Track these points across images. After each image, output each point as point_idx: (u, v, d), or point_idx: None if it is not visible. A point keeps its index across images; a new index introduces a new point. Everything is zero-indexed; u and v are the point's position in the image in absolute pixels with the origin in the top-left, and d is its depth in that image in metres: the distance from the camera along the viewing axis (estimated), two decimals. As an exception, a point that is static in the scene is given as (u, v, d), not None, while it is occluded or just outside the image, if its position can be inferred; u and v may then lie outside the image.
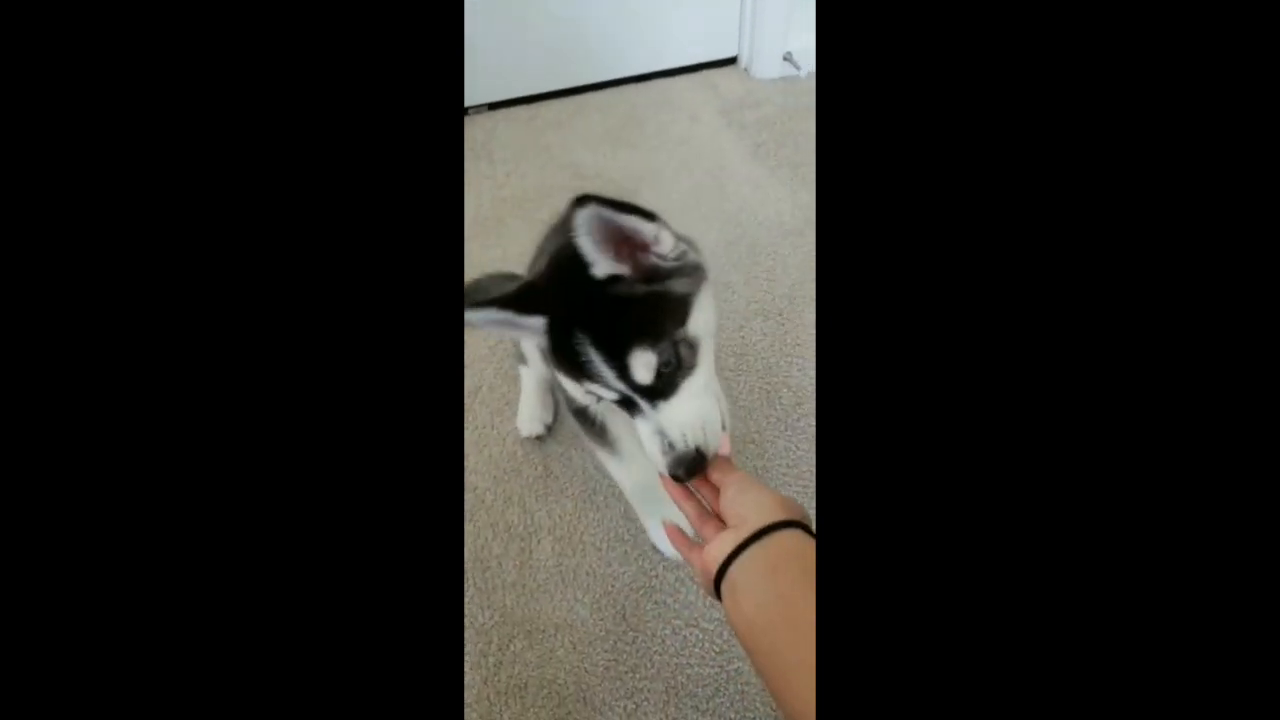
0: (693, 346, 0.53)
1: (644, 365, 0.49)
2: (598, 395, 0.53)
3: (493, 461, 0.92)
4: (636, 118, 1.42)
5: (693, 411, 0.51)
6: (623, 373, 0.50)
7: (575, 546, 0.84)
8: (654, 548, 0.82)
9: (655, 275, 0.52)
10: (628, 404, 0.52)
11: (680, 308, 0.52)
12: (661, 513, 0.78)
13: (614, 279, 0.50)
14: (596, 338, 0.49)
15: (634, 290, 0.51)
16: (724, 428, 0.53)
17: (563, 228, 0.52)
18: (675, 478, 0.52)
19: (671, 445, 0.51)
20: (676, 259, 0.54)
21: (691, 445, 0.51)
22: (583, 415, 0.73)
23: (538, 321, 0.53)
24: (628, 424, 0.63)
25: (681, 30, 1.49)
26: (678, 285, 0.53)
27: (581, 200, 0.46)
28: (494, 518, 0.87)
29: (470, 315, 0.52)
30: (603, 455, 0.76)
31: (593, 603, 0.79)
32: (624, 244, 0.51)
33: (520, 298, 0.52)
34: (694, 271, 0.55)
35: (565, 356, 0.51)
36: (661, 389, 0.51)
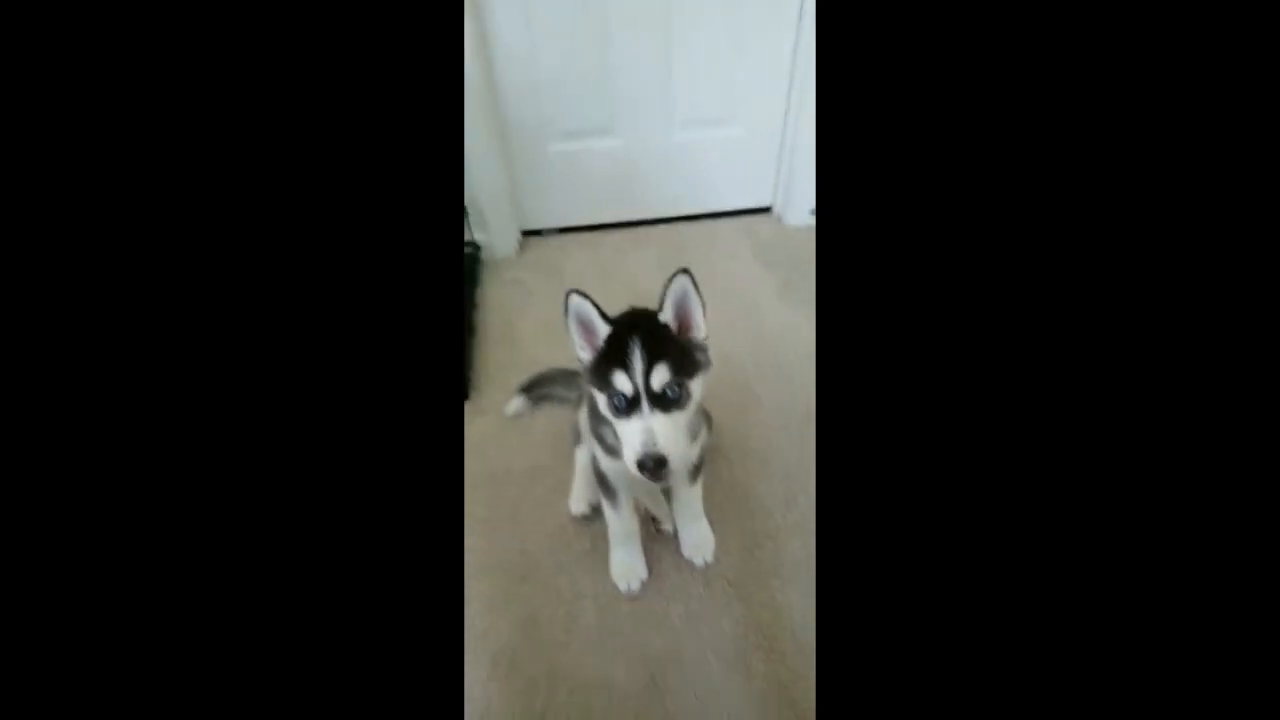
0: (689, 395, 0.76)
1: (660, 375, 0.73)
2: (619, 392, 0.74)
3: (547, 533, 1.08)
4: (685, 251, 1.68)
5: (672, 433, 0.74)
6: (646, 373, 0.72)
7: (614, 615, 0.97)
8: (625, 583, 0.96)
9: (688, 342, 0.79)
10: (632, 403, 0.74)
11: (693, 367, 0.77)
12: (630, 559, 1.01)
13: (664, 325, 0.77)
14: (644, 342, 0.73)
15: (676, 335, 0.78)
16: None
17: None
18: (640, 466, 0.72)
19: (651, 443, 0.72)
20: (702, 345, 0.80)
21: (661, 451, 0.72)
22: (603, 479, 0.95)
23: (604, 327, 0.77)
24: (624, 485, 0.92)
25: (727, 180, 1.78)
26: (698, 355, 0.79)
27: (685, 270, 0.75)
28: (546, 581, 1.01)
29: (573, 300, 0.76)
30: (606, 504, 0.98)
31: (626, 665, 0.92)
32: (685, 311, 0.78)
33: (617, 316, 0.78)
34: (706, 358, 0.80)
35: (617, 354, 0.74)
36: (660, 403, 0.74)
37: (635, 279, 1.60)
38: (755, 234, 1.77)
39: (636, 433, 0.73)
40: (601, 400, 0.78)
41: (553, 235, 1.76)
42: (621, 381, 0.73)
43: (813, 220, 1.79)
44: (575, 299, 0.76)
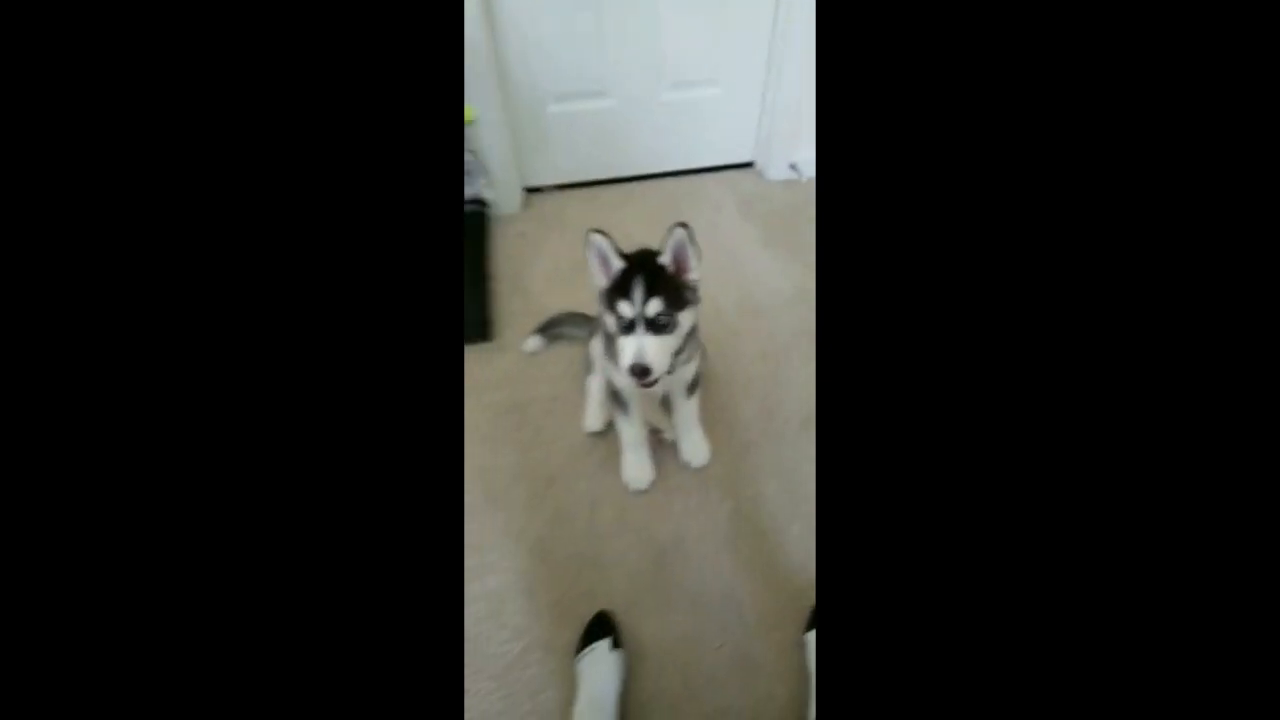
0: (677, 325, 0.97)
1: (654, 305, 0.94)
2: (622, 315, 0.95)
3: (568, 449, 1.29)
4: (675, 205, 1.84)
5: (657, 350, 0.95)
6: (643, 302, 0.93)
7: (627, 509, 1.19)
8: (626, 485, 1.18)
9: (681, 282, 0.99)
10: (629, 326, 0.95)
11: (682, 302, 0.98)
12: (639, 462, 1.22)
13: (663, 266, 0.97)
14: (645, 279, 0.94)
15: (671, 276, 0.97)
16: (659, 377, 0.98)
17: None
18: (630, 370, 0.94)
19: (640, 355, 0.94)
20: (694, 285, 1.01)
21: (647, 361, 0.94)
22: (615, 396, 1.17)
23: (618, 262, 0.97)
24: (636, 400, 1.14)
25: (712, 138, 1.92)
26: (688, 294, 0.99)
27: (682, 224, 0.94)
28: (569, 486, 1.22)
29: (594, 238, 0.96)
30: (619, 416, 1.20)
31: (639, 548, 1.14)
32: (681, 257, 0.98)
33: (627, 254, 0.98)
34: (695, 296, 1.01)
35: (623, 286, 0.95)
36: (653, 326, 0.95)
37: (630, 231, 1.75)
38: (738, 188, 1.93)
39: (630, 346, 0.95)
40: (610, 319, 0.98)
41: (552, 192, 1.90)
42: (624, 307, 0.94)
43: (791, 174, 1.95)
44: (597, 237, 0.96)
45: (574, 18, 1.57)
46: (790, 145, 1.91)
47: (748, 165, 2.00)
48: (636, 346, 0.94)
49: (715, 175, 1.97)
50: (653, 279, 0.94)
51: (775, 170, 1.94)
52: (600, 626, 1.02)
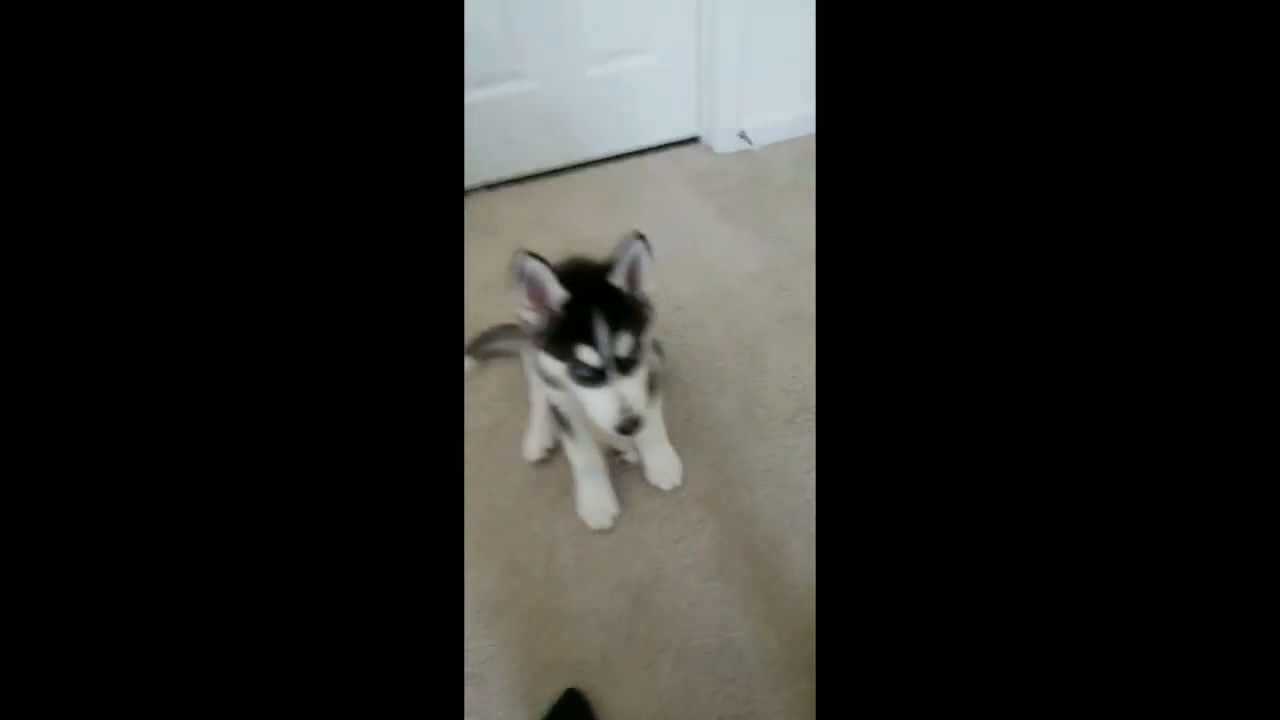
0: (643, 350, 0.78)
1: (624, 344, 0.74)
2: (584, 364, 0.74)
3: (514, 486, 1.08)
4: (618, 191, 1.65)
5: (639, 391, 0.77)
6: (611, 344, 0.73)
7: (591, 549, 0.99)
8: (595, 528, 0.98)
9: (638, 300, 0.80)
10: (599, 375, 0.75)
11: (645, 323, 0.79)
12: (597, 494, 1.01)
13: (617, 289, 0.78)
14: (606, 314, 0.74)
15: (629, 296, 0.79)
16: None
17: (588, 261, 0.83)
18: (622, 430, 0.76)
19: (627, 408, 0.75)
20: (649, 297, 0.82)
21: (636, 412, 0.75)
22: (558, 416, 0.96)
23: (560, 293, 0.75)
24: (581, 419, 0.92)
25: (650, 113, 1.74)
26: (646, 312, 0.81)
27: (640, 235, 0.76)
28: (520, 529, 1.02)
29: (525, 262, 0.73)
30: (566, 440, 0.99)
31: (609, 592, 0.94)
32: (635, 272, 0.79)
33: (563, 274, 0.75)
34: (651, 310, 0.82)
35: (579, 327, 0.74)
36: (624, 367, 0.75)
37: (573, 226, 1.56)
38: (686, 165, 1.74)
39: (609, 401, 0.75)
40: (559, 367, 0.77)
41: (481, 193, 1.70)
42: (588, 355, 0.74)
43: (742, 145, 1.77)
44: (530, 263, 0.73)
45: (473, -10, 1.38)
46: (737, 113, 1.73)
47: (694, 140, 1.82)
48: (618, 399, 0.75)
49: (660, 154, 1.79)
50: (615, 311, 0.74)
51: (724, 142, 1.76)
52: (569, 709, 0.81)
